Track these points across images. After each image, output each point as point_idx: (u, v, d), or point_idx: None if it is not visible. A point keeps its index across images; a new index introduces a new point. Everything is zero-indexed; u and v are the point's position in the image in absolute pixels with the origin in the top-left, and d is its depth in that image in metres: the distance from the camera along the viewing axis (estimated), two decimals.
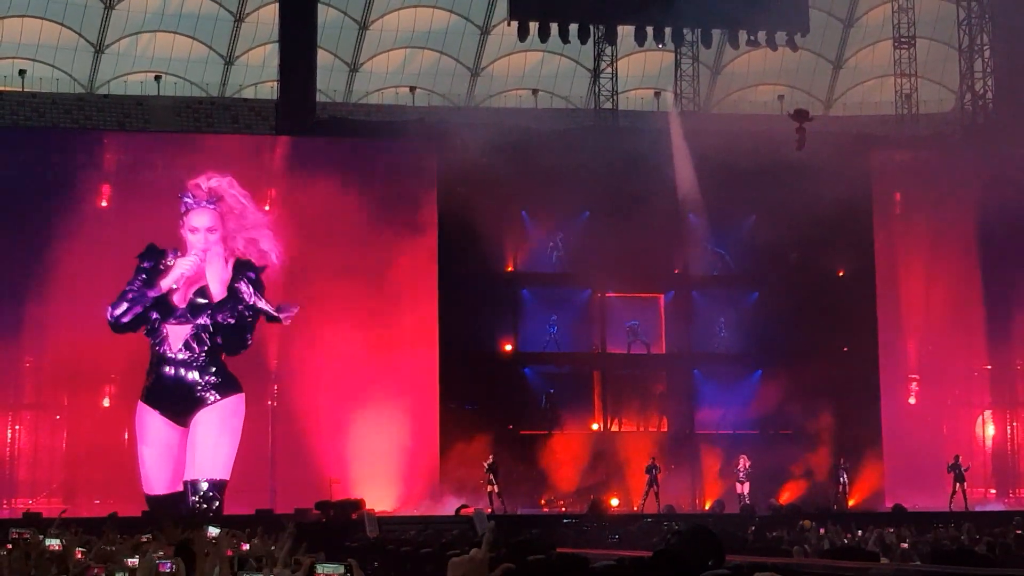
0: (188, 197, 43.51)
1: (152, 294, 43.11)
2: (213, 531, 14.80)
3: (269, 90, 54.04)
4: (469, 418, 45.32)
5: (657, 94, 58.03)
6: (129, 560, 12.25)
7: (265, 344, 44.42)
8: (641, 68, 59.08)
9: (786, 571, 9.89)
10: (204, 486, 42.28)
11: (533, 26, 48.79)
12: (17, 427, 44.97)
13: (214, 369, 43.37)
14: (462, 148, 43.12)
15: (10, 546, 14.87)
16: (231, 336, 43.75)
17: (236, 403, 43.44)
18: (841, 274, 48.62)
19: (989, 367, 49.92)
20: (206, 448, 42.71)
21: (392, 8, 58.78)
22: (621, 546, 30.32)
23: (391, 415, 43.90)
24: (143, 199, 44.10)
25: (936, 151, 50.30)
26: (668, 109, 52.03)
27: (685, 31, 50.80)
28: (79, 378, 43.61)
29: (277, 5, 49.96)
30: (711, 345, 48.33)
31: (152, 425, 42.97)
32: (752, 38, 49.91)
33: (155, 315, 43.19)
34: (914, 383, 49.88)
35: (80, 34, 56.44)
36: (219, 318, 43.55)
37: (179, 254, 43.64)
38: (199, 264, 43.51)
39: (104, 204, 45.23)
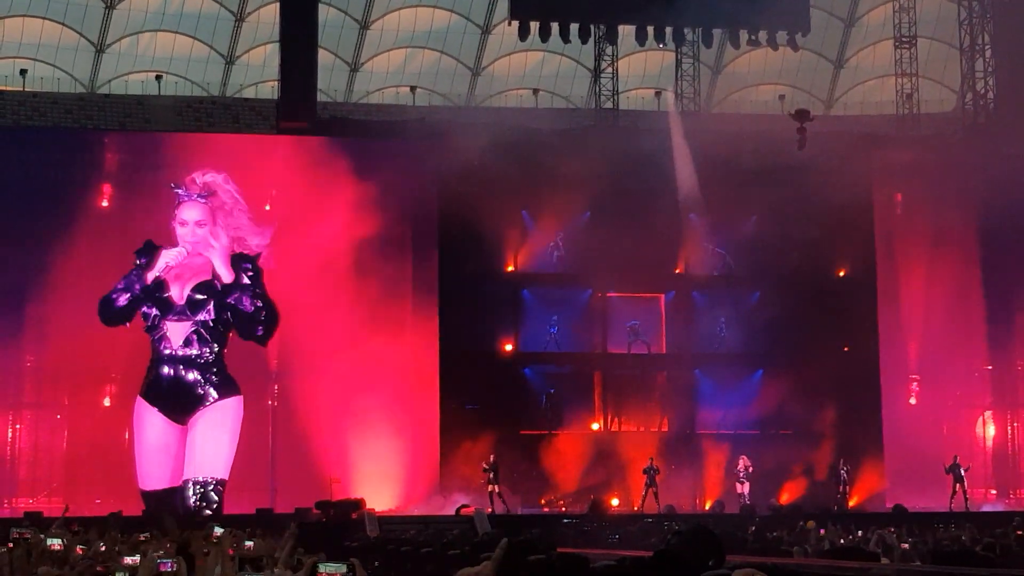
0: (180, 190, 43.55)
1: (139, 285, 43.10)
2: (219, 531, 14.82)
3: (270, 90, 54.02)
4: (470, 418, 45.30)
5: (658, 94, 58.00)
6: (129, 559, 12.25)
7: (266, 343, 44.40)
8: (642, 68, 59.07)
9: (786, 571, 9.89)
10: (203, 485, 42.27)
11: (534, 26, 48.80)
12: (18, 426, 45.02)
13: (215, 369, 43.38)
14: (463, 148, 43.07)
15: (11, 545, 14.89)
16: (242, 319, 43.76)
17: (235, 404, 43.44)
18: (842, 274, 48.62)
19: (990, 368, 49.97)
20: (205, 447, 42.71)
21: (393, 8, 58.77)
22: (621, 546, 30.34)
23: (392, 415, 43.93)
24: (144, 199, 44.16)
25: (937, 151, 50.25)
26: (669, 109, 51.96)
27: (686, 31, 50.79)
28: (80, 377, 43.66)
29: (278, 5, 49.95)
30: (712, 345, 48.29)
31: (150, 422, 42.98)
32: (753, 38, 49.91)
33: (154, 311, 43.16)
34: (915, 383, 49.92)
35: (81, 34, 56.44)
36: (228, 300, 43.61)
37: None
38: (185, 256, 43.44)
39: (105, 204, 45.25)
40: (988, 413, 50.59)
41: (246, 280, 43.86)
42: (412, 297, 45.37)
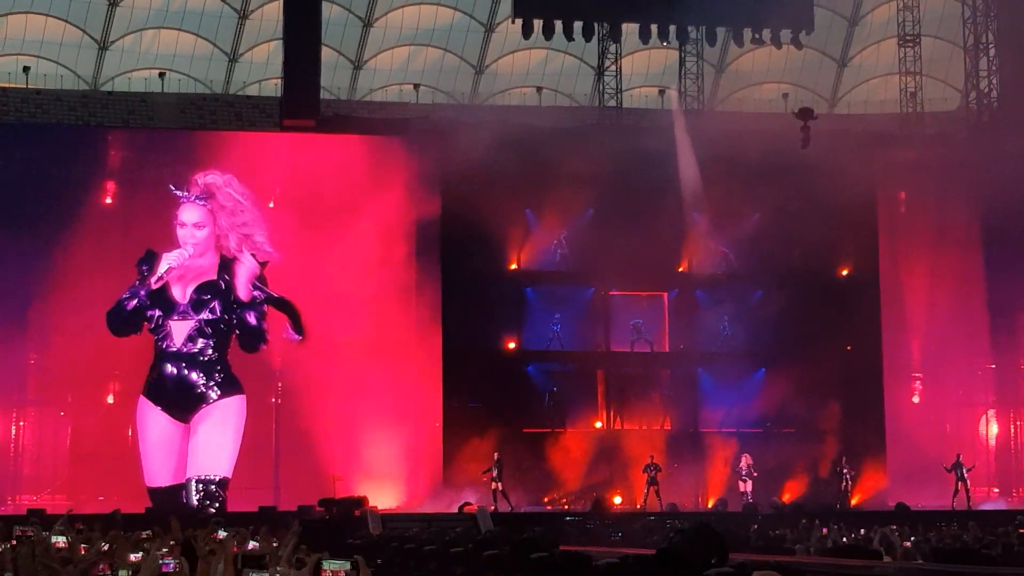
0: (180, 192, 43.58)
1: (143, 291, 43.15)
2: (221, 533, 14.83)
3: (273, 87, 54.06)
4: (473, 416, 45.31)
5: (661, 92, 57.97)
6: (132, 556, 12.26)
7: (269, 342, 44.45)
8: (645, 66, 59.04)
9: (790, 569, 9.90)
10: (206, 484, 42.32)
11: (537, 24, 48.79)
12: (21, 423, 45.05)
13: (219, 367, 43.44)
14: (466, 146, 43.06)
15: (14, 543, 14.90)
16: (245, 333, 43.89)
17: (238, 403, 43.51)
18: (845, 273, 48.62)
19: (993, 366, 49.97)
20: (208, 446, 42.78)
21: (396, 5, 58.76)
22: (624, 544, 30.36)
23: (394, 413, 43.98)
24: (147, 196, 44.24)
25: (941, 149, 50.23)
26: (672, 107, 52.01)
27: (689, 29, 50.78)
28: (83, 375, 43.69)
29: (281, 2, 49.94)
30: (715, 343, 48.26)
31: (153, 420, 43.07)
32: (757, 36, 49.91)
33: (158, 312, 43.24)
34: (917, 382, 49.95)
35: (84, 31, 56.43)
36: (233, 315, 43.71)
37: None
38: (186, 258, 43.47)
39: (108, 201, 45.30)
40: (991, 412, 50.59)
41: (256, 295, 43.98)
42: (415, 295, 45.37)
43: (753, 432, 47.39)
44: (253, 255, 44.19)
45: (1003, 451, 50.08)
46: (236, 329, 43.91)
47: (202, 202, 43.73)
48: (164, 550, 12.99)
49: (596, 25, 50.00)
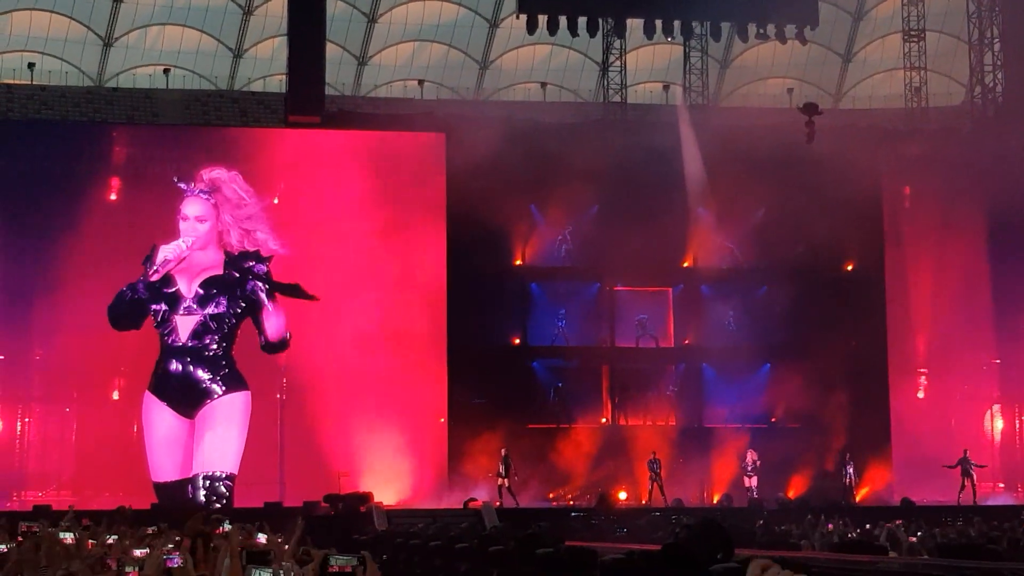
0: (184, 184, 43.58)
1: (142, 284, 43.11)
2: (227, 526, 14.84)
3: (278, 83, 54.07)
4: (478, 412, 45.33)
5: (666, 87, 57.99)
6: (138, 551, 12.28)
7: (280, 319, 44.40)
8: (650, 61, 59.00)
9: (796, 565, 9.90)
10: (213, 480, 42.36)
11: (542, 19, 48.80)
12: (27, 420, 45.10)
13: (223, 363, 43.44)
14: (471, 142, 43.07)
15: (20, 539, 14.91)
16: (270, 347, 44.01)
17: (243, 399, 43.49)
18: (850, 268, 48.60)
19: (998, 361, 49.96)
20: (214, 442, 42.79)
21: (401, 1, 58.73)
22: (629, 540, 30.35)
23: (400, 409, 43.99)
24: (152, 192, 44.24)
25: (946, 144, 50.23)
26: (677, 102, 52.02)
27: (694, 24, 50.82)
28: (88, 371, 43.72)
29: None
30: (720, 339, 48.20)
31: (158, 416, 43.07)
32: (761, 31, 49.90)
33: (163, 306, 43.21)
34: (923, 377, 49.93)
35: (89, 27, 56.44)
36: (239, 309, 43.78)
37: None
38: (184, 250, 43.38)
39: (113, 197, 45.34)
40: (996, 406, 50.57)
41: (259, 293, 43.97)
42: (420, 291, 45.38)
43: (758, 427, 47.40)
44: (258, 251, 44.14)
45: (1008, 446, 50.07)
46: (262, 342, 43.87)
47: (206, 196, 43.72)
48: (170, 545, 13.00)
49: (601, 20, 49.96)
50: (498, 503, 40.93)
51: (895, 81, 56.47)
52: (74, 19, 56.18)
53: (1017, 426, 50.39)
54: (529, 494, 43.77)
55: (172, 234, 43.49)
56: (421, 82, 57.83)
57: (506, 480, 42.60)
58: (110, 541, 15.50)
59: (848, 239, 47.18)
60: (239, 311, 43.72)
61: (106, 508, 33.16)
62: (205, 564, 12.31)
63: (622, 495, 44.82)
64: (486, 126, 43.99)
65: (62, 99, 52.80)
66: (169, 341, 43.22)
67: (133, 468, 42.33)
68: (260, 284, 43.69)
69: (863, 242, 47.73)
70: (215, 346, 43.38)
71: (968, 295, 48.69)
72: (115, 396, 44.58)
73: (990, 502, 44.00)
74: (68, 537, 14.12)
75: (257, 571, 10.88)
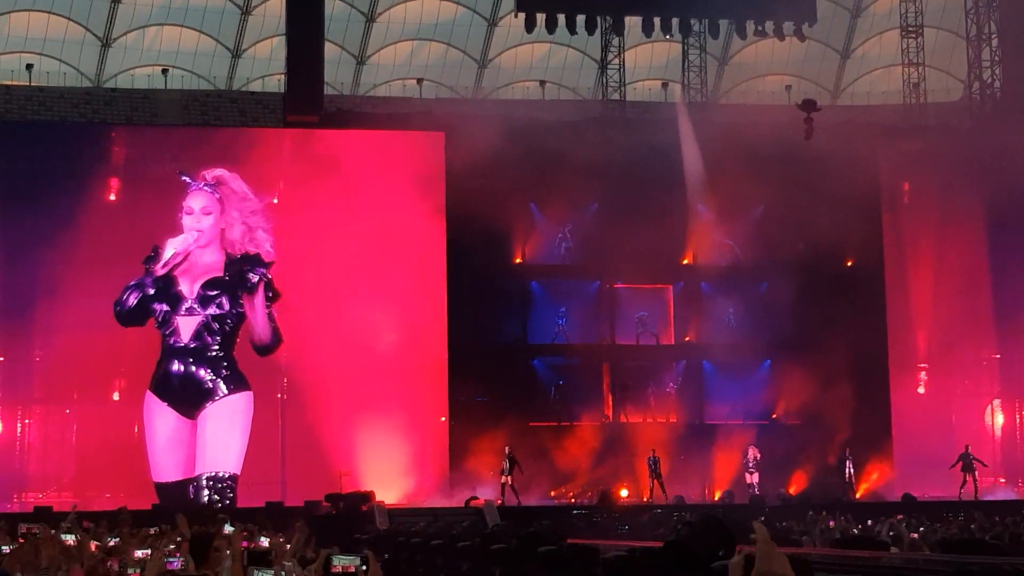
0: (188, 178, 43.60)
1: (150, 280, 43.15)
2: (228, 528, 14.85)
3: (276, 83, 54.07)
4: (479, 410, 45.35)
5: (665, 85, 57.99)
6: (139, 552, 12.28)
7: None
8: (648, 59, 59.00)
9: (798, 561, 9.89)
10: (216, 481, 42.38)
11: (540, 17, 48.78)
12: (27, 421, 45.11)
13: (225, 364, 43.47)
14: (470, 140, 43.07)
15: (21, 540, 14.91)
16: (262, 349, 44.03)
17: (245, 400, 43.54)
18: (850, 264, 48.58)
19: (998, 356, 50.01)
20: (216, 443, 42.82)
21: (399, 0, 58.74)
22: (631, 537, 30.34)
23: (400, 407, 43.99)
24: (151, 192, 44.27)
25: (944, 140, 50.26)
26: (676, 100, 52.05)
27: (692, 22, 50.82)
28: (88, 372, 43.71)
29: None
30: (720, 336, 48.23)
31: (159, 416, 43.11)
32: (760, 28, 49.90)
33: (165, 307, 43.25)
34: (923, 372, 49.95)
35: (87, 28, 56.43)
36: (240, 310, 43.81)
37: None
38: (190, 243, 43.44)
39: (112, 198, 45.36)
40: (997, 402, 50.62)
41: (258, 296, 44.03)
42: (420, 289, 45.39)
43: (759, 424, 47.43)
44: (258, 255, 44.17)
45: (1009, 441, 50.11)
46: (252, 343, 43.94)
47: (210, 189, 43.77)
48: (171, 547, 13.00)
49: (599, 18, 49.97)
50: (499, 501, 40.92)
51: (893, 77, 56.49)
52: (72, 20, 56.17)
53: (1018, 421, 50.43)
54: (531, 492, 43.77)
55: (172, 233, 43.56)
56: (420, 81, 57.81)
57: (510, 478, 42.60)
58: (112, 543, 15.50)
59: (848, 235, 47.14)
60: (240, 312, 43.76)
61: (107, 509, 33.18)
62: (206, 565, 12.31)
63: (623, 492, 44.85)
64: (485, 125, 43.96)
65: (60, 100, 52.80)
66: (171, 342, 43.25)
67: (134, 469, 42.34)
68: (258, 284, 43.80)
69: (863, 238, 47.70)
70: (216, 347, 43.42)
71: (968, 290, 48.72)
72: (115, 397, 44.59)
73: (991, 497, 44.02)
74: (69, 539, 14.11)
75: (259, 573, 10.87)
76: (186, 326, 43.30)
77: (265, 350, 43.90)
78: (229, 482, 42.52)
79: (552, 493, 45.39)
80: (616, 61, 51.86)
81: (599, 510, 40.32)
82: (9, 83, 53.21)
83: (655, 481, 43.94)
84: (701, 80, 52.66)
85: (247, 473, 42.90)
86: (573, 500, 44.54)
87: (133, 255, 43.37)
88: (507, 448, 43.18)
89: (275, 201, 45.14)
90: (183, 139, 46.72)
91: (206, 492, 42.16)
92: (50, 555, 13.27)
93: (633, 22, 50.53)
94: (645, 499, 43.88)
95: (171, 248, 43.09)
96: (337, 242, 44.68)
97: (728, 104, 56.62)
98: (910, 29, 53.22)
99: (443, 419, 45.41)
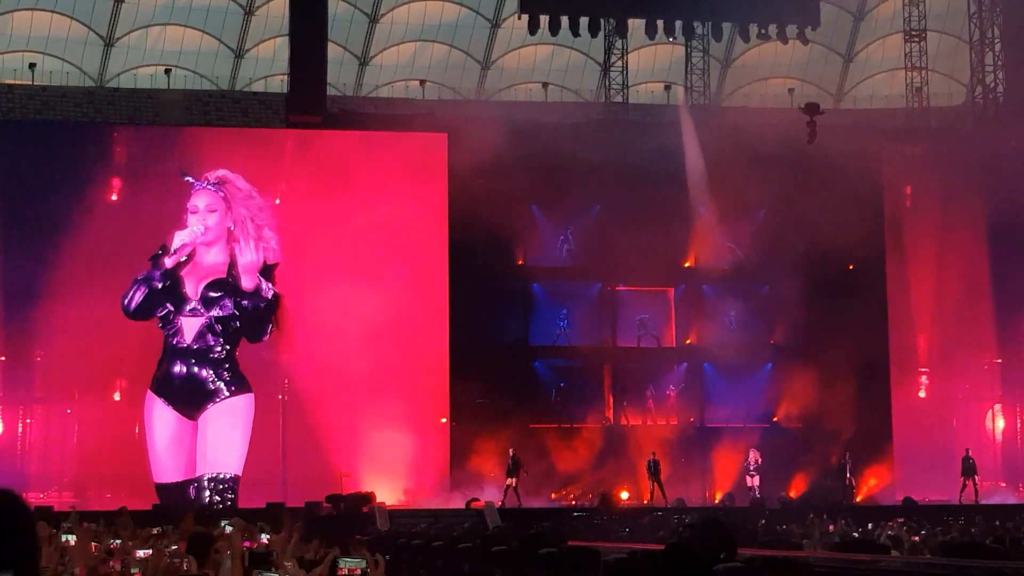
0: (192, 178, 43.61)
1: (158, 273, 43.15)
2: (228, 528, 14.84)
3: (279, 83, 54.07)
4: (480, 412, 45.36)
5: (667, 87, 57.97)
6: (141, 552, 12.28)
7: (276, 338, 44.47)
8: (651, 61, 59.00)
9: (799, 564, 9.90)
10: (217, 482, 42.38)
11: (543, 19, 48.81)
12: (28, 420, 45.09)
13: (227, 365, 43.48)
14: (473, 142, 43.09)
15: None
16: (251, 323, 43.92)
17: (247, 402, 43.55)
18: (852, 267, 48.55)
19: (999, 360, 49.98)
20: (218, 444, 42.82)
21: (402, 1, 58.72)
22: (631, 539, 30.35)
23: (402, 409, 43.99)
24: (153, 192, 44.30)
25: (947, 144, 50.29)
26: (679, 102, 52.03)
27: (696, 25, 50.81)
28: (89, 372, 43.71)
29: None
30: (721, 339, 48.22)
31: (160, 416, 43.12)
32: (763, 31, 49.90)
33: (169, 307, 43.28)
34: (924, 376, 49.95)
35: (90, 27, 56.43)
36: (244, 303, 43.77)
37: None
38: (198, 235, 43.46)
39: (114, 198, 45.35)
40: (997, 406, 50.61)
41: (265, 292, 44.01)
42: (422, 291, 45.39)
43: (760, 427, 47.43)
44: (264, 257, 44.21)
45: (1010, 445, 50.11)
46: (242, 320, 43.89)
47: (214, 188, 43.80)
48: (173, 547, 13.00)
49: (602, 21, 49.99)
50: (499, 503, 40.92)
51: (896, 81, 56.48)
52: (75, 19, 56.17)
53: (1018, 425, 50.43)
54: (531, 494, 43.77)
55: (173, 233, 43.52)
56: (423, 82, 57.80)
57: (515, 480, 42.60)
58: (113, 544, 15.49)
59: (850, 239, 47.09)
60: (241, 310, 43.75)
61: (108, 509, 33.16)
62: (207, 565, 12.31)
63: (624, 495, 44.85)
64: (488, 126, 43.96)
65: (63, 99, 52.79)
66: (174, 342, 43.27)
67: (134, 469, 42.33)
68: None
69: (865, 242, 47.65)
70: (219, 348, 43.46)
71: (969, 295, 48.73)
72: (116, 397, 44.57)
73: (991, 501, 44.01)
74: (70, 539, 14.11)
75: (260, 574, 10.87)
76: (189, 327, 43.33)
77: (256, 315, 43.84)
78: (230, 483, 42.54)
79: (553, 495, 45.38)
80: (619, 63, 51.89)
81: (599, 512, 40.31)
82: (12, 82, 53.23)
83: (654, 484, 43.95)
84: (704, 83, 52.67)
85: (248, 474, 42.89)
86: (574, 502, 44.53)
87: (135, 255, 43.40)
88: (511, 450, 43.19)
89: (277, 202, 45.15)
90: (185, 139, 46.71)
91: (207, 493, 42.17)
92: (50, 555, 13.26)
93: (636, 24, 50.56)
94: (645, 502, 43.88)
95: (179, 239, 43.12)
96: (339, 243, 44.69)
97: (731, 107, 56.68)
98: (913, 33, 53.24)
99: (444, 421, 45.39)
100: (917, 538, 25.55)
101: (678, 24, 49.87)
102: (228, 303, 43.67)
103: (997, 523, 31.26)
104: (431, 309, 45.34)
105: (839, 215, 44.67)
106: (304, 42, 47.87)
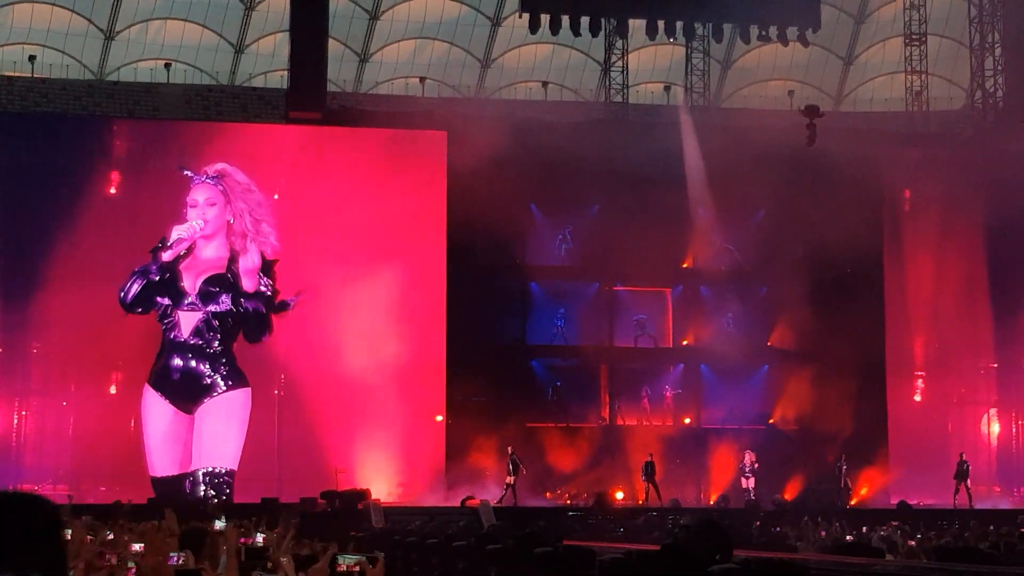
0: (190, 172, 43.61)
1: (155, 267, 43.15)
2: (219, 524, 14.81)
3: (279, 79, 54.03)
4: (476, 410, 45.35)
5: (667, 88, 57.97)
6: (136, 546, 12.26)
7: (273, 333, 44.48)
8: (652, 62, 58.97)
9: (794, 566, 9.91)
10: (213, 476, 42.40)
11: (544, 18, 48.78)
12: (24, 413, 45.09)
13: (224, 360, 43.50)
14: (472, 140, 43.09)
15: None
16: (251, 325, 43.92)
17: (243, 396, 43.56)
18: (849, 270, 48.55)
19: (995, 365, 50.02)
20: (214, 438, 42.84)
21: None
22: (626, 539, 30.36)
23: (398, 406, 43.99)
24: (152, 186, 44.31)
25: (946, 148, 50.31)
26: (678, 103, 52.02)
27: (696, 25, 50.80)
28: (86, 365, 43.73)
29: None
30: (718, 340, 48.23)
31: (157, 410, 43.13)
32: (763, 33, 49.87)
33: (167, 301, 43.29)
34: (920, 380, 49.99)
35: (90, 20, 56.39)
36: (247, 306, 43.78)
37: None
38: (196, 231, 43.45)
39: (112, 191, 45.36)
40: (993, 411, 50.64)
41: (263, 290, 44.03)
42: (420, 288, 45.38)
43: (756, 429, 47.45)
44: (262, 253, 44.21)
45: (1005, 450, 50.14)
46: (241, 320, 43.94)
47: (213, 182, 43.80)
48: (168, 540, 12.97)
49: (603, 20, 49.98)
50: (498, 501, 40.94)
51: (896, 84, 56.47)
52: (75, 12, 56.13)
53: (1014, 430, 50.45)
54: (526, 493, 43.79)
55: (171, 227, 43.51)
56: (423, 80, 57.77)
57: (514, 479, 42.63)
58: (109, 537, 15.48)
59: (848, 242, 47.09)
60: (240, 308, 43.76)
61: (103, 502, 33.16)
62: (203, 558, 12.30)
63: (619, 495, 44.86)
64: (487, 125, 43.94)
65: (63, 92, 52.78)
66: (171, 336, 43.29)
67: (130, 462, 42.33)
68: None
69: (862, 245, 47.64)
70: (217, 343, 43.47)
71: (967, 299, 48.77)
72: (112, 390, 44.57)
73: (986, 506, 44.04)
74: (67, 532, 14.07)
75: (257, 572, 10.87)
76: (187, 321, 43.34)
77: (257, 317, 43.86)
78: (226, 478, 42.56)
79: (548, 494, 45.39)
80: (619, 63, 51.89)
81: (594, 512, 40.32)
82: (11, 74, 53.20)
83: (649, 485, 43.96)
84: (704, 84, 52.68)
85: (244, 469, 42.90)
86: (569, 501, 44.52)
87: (133, 248, 43.41)
88: (510, 449, 43.21)
89: (276, 197, 45.15)
90: (184, 134, 46.72)
91: (203, 487, 42.18)
92: None
93: (637, 25, 50.54)
94: (640, 502, 43.90)
95: (176, 234, 43.12)
96: (337, 240, 44.68)
97: (730, 108, 56.67)
98: (914, 37, 53.26)
99: (439, 419, 45.38)
100: (913, 542, 25.58)
101: (679, 25, 49.85)
102: (226, 298, 43.68)
103: (991, 527, 31.29)
104: (429, 307, 45.35)
105: (838, 218, 44.67)
106: (305, 38, 47.85)
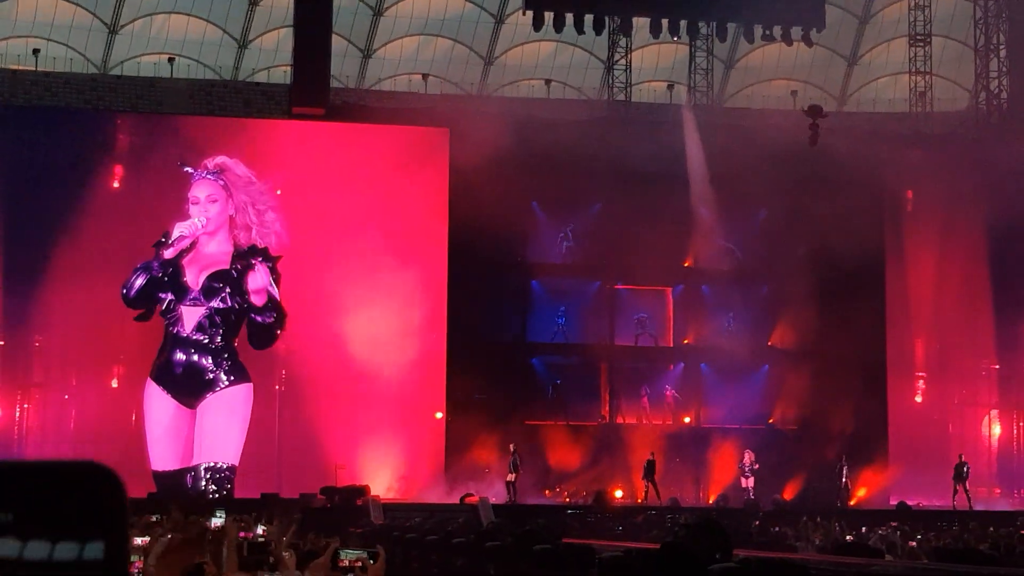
0: (190, 168, 43.61)
1: (157, 263, 43.16)
2: (217, 521, 14.83)
3: (282, 74, 53.98)
4: (476, 407, 45.34)
5: (671, 87, 57.91)
6: (139, 540, 12.28)
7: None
8: (655, 60, 58.92)
9: (792, 567, 9.92)
10: (214, 471, 42.41)
11: (548, 16, 48.78)
12: (26, 406, 45.12)
13: (227, 355, 43.50)
14: (474, 137, 43.09)
15: None
16: (258, 335, 43.92)
17: (245, 392, 43.58)
18: (851, 270, 48.51)
19: (997, 367, 50.00)
20: (215, 433, 42.85)
21: None
22: (625, 538, 30.37)
23: (398, 403, 44.03)
24: (155, 180, 44.32)
25: (949, 149, 50.28)
26: (681, 102, 52.00)
27: (700, 24, 50.79)
28: (88, 358, 43.78)
29: None
30: (719, 339, 48.25)
31: (159, 404, 43.14)
32: (767, 32, 49.87)
33: (170, 296, 43.29)
34: (921, 381, 49.98)
35: (94, 14, 56.39)
36: (256, 319, 43.80)
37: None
38: (198, 228, 43.44)
39: (116, 185, 45.40)
40: (994, 412, 50.64)
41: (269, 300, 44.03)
42: (421, 285, 45.40)
43: (756, 428, 47.46)
44: (266, 248, 44.18)
45: (1005, 452, 50.14)
46: (248, 332, 43.93)
47: (214, 177, 43.81)
48: (171, 535, 12.99)
49: (607, 19, 49.97)
50: (494, 498, 40.94)
51: (900, 85, 56.45)
52: (79, 6, 56.13)
53: (1015, 432, 50.45)
54: (525, 491, 43.80)
55: (174, 221, 43.52)
56: (425, 76, 57.74)
57: (515, 476, 42.66)
58: None
59: (850, 242, 47.10)
60: (244, 306, 43.77)
61: None
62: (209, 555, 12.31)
63: (618, 493, 44.87)
64: (490, 122, 43.95)
65: (66, 86, 52.76)
66: (174, 331, 43.29)
67: (131, 456, 42.28)
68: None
69: (864, 245, 47.60)
70: (219, 338, 43.48)
71: (969, 300, 48.77)
72: (114, 384, 44.62)
73: (986, 507, 44.04)
74: None
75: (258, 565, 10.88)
76: (190, 316, 43.35)
77: (265, 329, 43.84)
78: (227, 473, 42.59)
79: (547, 492, 45.41)
80: (623, 62, 51.87)
81: (593, 510, 40.33)
82: (15, 68, 53.17)
83: (648, 483, 43.98)
84: (707, 83, 52.65)
85: (244, 464, 42.94)
86: (568, 499, 44.54)
87: (135, 242, 43.41)
88: (512, 446, 43.24)
89: (278, 193, 45.16)
90: (188, 128, 46.72)
91: (204, 482, 42.20)
92: None
93: (641, 23, 50.51)
94: (639, 500, 43.92)
95: (178, 231, 43.10)
96: (339, 235, 44.71)
97: (733, 108, 56.62)
98: (918, 37, 53.23)
99: (439, 416, 45.39)
100: (914, 543, 25.59)
101: (683, 23, 49.84)
102: (228, 295, 43.67)
103: (991, 529, 31.31)
104: (430, 304, 45.37)
105: (840, 218, 44.70)
106: (308, 34, 47.87)
